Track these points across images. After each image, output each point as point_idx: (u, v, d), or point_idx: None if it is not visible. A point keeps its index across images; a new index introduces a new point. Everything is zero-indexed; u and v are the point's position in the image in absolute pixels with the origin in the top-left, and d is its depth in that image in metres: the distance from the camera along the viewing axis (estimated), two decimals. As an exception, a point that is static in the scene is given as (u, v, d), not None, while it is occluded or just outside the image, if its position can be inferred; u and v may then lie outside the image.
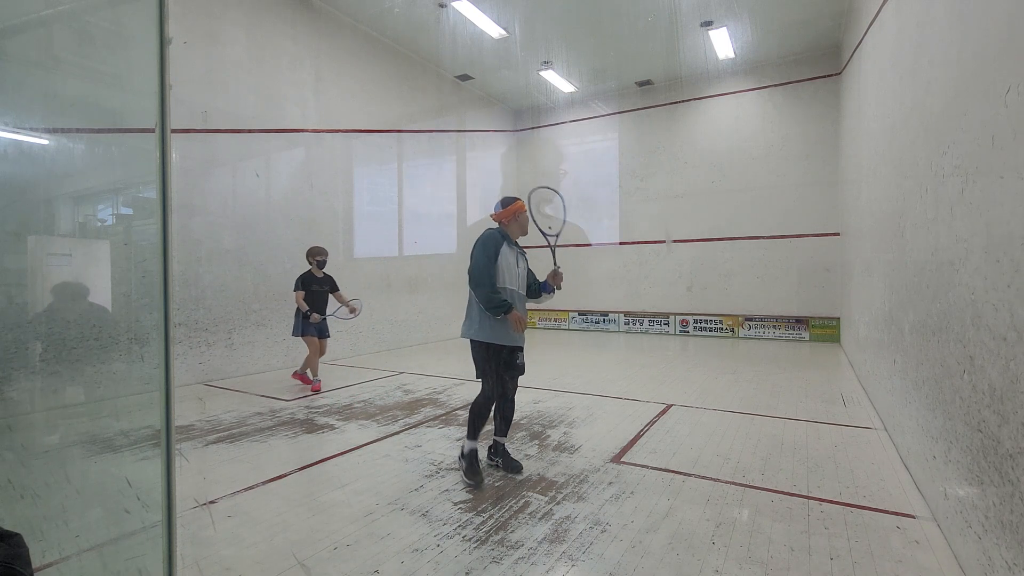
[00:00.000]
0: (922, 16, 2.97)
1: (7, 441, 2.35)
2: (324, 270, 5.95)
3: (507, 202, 3.36)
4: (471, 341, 3.25)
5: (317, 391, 5.65)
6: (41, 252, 2.51)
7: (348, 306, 5.88)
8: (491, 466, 3.40)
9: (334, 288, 5.96)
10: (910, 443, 3.16)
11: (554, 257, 3.45)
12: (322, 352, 5.96)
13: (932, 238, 2.60)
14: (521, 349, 3.30)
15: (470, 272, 3.18)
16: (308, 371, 5.96)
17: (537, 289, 3.43)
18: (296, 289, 5.75)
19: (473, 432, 3.21)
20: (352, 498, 2.92)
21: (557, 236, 3.48)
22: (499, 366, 3.22)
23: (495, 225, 3.36)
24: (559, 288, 3.43)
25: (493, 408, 3.30)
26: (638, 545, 2.38)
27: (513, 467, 3.34)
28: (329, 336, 6.05)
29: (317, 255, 5.84)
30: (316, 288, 5.80)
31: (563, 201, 3.65)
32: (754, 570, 2.18)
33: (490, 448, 3.48)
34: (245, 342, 6.69)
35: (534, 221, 3.45)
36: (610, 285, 11.53)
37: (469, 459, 3.18)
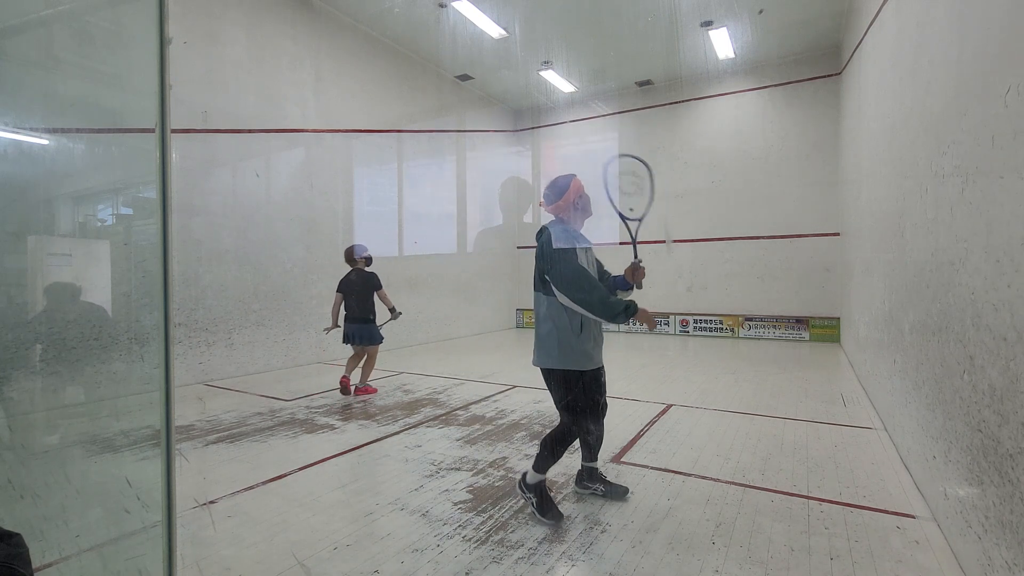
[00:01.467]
0: (922, 16, 2.97)
1: (7, 441, 2.35)
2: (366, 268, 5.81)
3: (564, 185, 2.75)
4: (548, 371, 2.62)
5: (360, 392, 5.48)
6: (41, 252, 2.51)
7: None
8: (585, 494, 2.90)
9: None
10: (910, 443, 3.16)
11: (635, 248, 2.82)
12: (357, 358, 5.62)
13: (932, 238, 2.60)
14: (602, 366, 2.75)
15: (559, 283, 2.47)
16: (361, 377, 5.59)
17: (611, 286, 2.76)
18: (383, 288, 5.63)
19: (545, 465, 2.65)
20: (352, 498, 2.92)
21: (640, 221, 2.83)
22: (588, 393, 2.62)
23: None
24: (639, 287, 2.77)
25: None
26: (638, 545, 2.38)
27: (618, 492, 2.85)
28: (359, 343, 5.58)
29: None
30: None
31: (651, 175, 2.96)
32: (754, 570, 2.18)
33: (580, 475, 2.93)
34: (245, 342, 6.68)
35: (611, 202, 2.85)
36: (610, 285, 11.51)
37: (541, 492, 2.62)
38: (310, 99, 7.69)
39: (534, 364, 2.69)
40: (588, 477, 2.93)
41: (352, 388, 5.47)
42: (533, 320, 2.72)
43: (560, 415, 2.68)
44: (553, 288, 2.52)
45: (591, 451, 2.91)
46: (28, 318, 2.35)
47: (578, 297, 2.44)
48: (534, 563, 2.24)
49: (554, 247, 2.51)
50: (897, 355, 3.55)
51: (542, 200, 2.80)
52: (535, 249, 2.68)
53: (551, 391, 2.68)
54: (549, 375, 2.64)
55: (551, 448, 2.65)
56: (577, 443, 3.06)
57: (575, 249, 2.53)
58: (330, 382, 6.15)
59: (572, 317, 2.54)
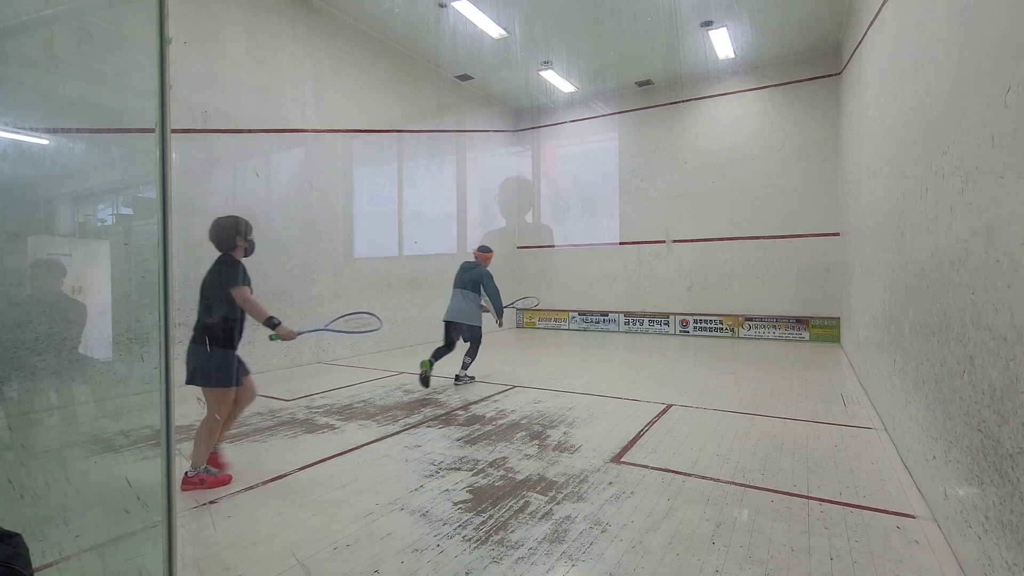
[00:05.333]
0: (922, 16, 2.97)
1: (7, 441, 2.35)
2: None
3: (486, 248, 6.28)
4: (472, 325, 5.94)
5: None
6: (41, 252, 2.51)
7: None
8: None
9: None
10: (910, 443, 3.16)
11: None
12: None
13: (932, 238, 2.60)
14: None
15: (492, 285, 5.93)
16: None
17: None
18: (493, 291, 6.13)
19: (471, 362, 6.10)
20: (352, 498, 2.92)
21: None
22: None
23: (474, 259, 6.23)
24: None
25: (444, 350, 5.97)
26: (638, 545, 2.38)
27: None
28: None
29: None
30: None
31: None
32: (754, 570, 2.18)
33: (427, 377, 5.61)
34: (245, 342, 6.62)
35: None
36: (610, 285, 11.52)
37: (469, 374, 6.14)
38: (310, 99, 7.68)
39: (461, 320, 5.89)
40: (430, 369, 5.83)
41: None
42: (455, 306, 5.99)
43: (473, 342, 6.04)
44: (485, 290, 5.96)
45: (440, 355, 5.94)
46: (28, 318, 2.35)
47: (499, 298, 5.98)
48: (534, 563, 2.24)
49: (490, 276, 6.04)
50: (897, 355, 3.55)
51: (488, 254, 6.27)
52: (471, 271, 6.04)
53: (468, 332, 5.98)
54: (471, 328, 5.96)
55: (474, 355, 6.08)
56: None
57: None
58: (330, 382, 6.14)
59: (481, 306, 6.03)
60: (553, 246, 12.31)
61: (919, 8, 3.05)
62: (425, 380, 5.49)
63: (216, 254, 3.14)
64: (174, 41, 1.54)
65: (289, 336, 3.31)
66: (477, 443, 3.86)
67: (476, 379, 6.19)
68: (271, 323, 3.21)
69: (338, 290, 7.98)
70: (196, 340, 3.06)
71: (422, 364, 5.50)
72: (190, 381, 3.07)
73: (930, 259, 2.63)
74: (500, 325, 6.07)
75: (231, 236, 3.16)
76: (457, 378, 6.02)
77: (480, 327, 5.99)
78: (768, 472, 3.24)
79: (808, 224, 9.69)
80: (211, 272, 3.11)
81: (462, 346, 6.16)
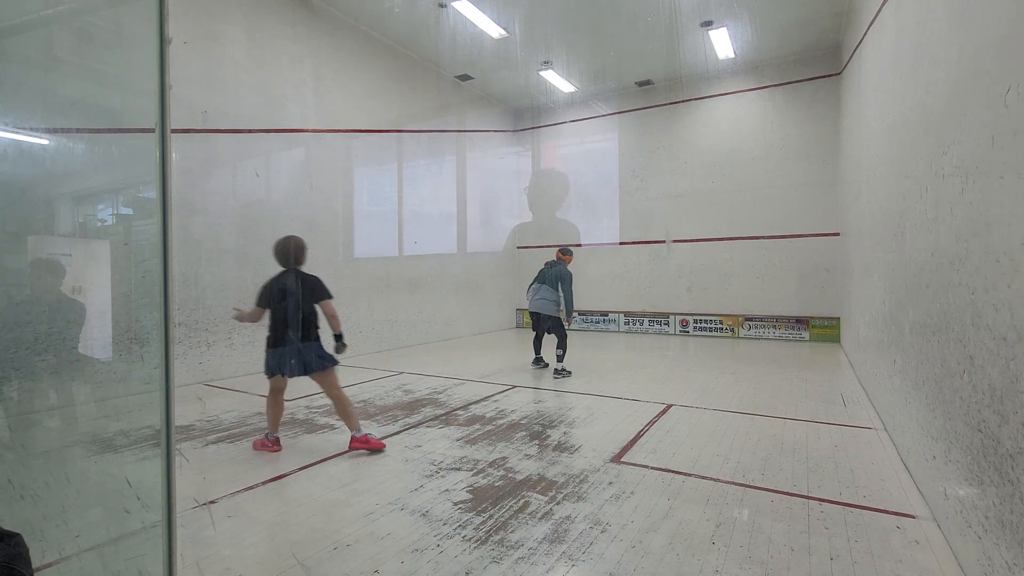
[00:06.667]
0: (922, 16, 2.97)
1: (7, 441, 2.35)
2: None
3: (568, 251, 6.77)
4: (555, 316, 6.42)
5: None
6: (41, 252, 2.51)
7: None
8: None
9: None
10: (910, 443, 3.16)
11: None
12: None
13: (932, 238, 2.60)
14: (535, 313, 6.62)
15: (569, 286, 6.40)
16: None
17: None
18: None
19: (565, 355, 6.49)
20: (352, 498, 2.92)
21: None
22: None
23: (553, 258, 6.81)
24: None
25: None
26: (638, 545, 2.38)
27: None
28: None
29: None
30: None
31: None
32: (754, 570, 2.18)
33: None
34: (245, 342, 6.68)
35: None
36: (610, 285, 11.52)
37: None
38: (310, 99, 7.68)
39: (545, 312, 6.43)
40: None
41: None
42: (539, 298, 6.50)
43: (559, 334, 6.45)
44: (562, 288, 6.41)
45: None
46: (28, 318, 2.35)
47: (571, 297, 6.42)
48: (534, 563, 2.24)
49: (569, 275, 6.56)
50: (897, 355, 3.55)
51: (569, 257, 6.81)
52: (554, 268, 6.56)
53: (550, 323, 6.46)
54: (553, 319, 6.44)
55: (564, 347, 6.44)
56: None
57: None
58: (330, 382, 6.13)
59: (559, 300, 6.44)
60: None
61: (919, 8, 3.05)
62: (538, 361, 7.01)
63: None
64: (174, 41, 1.54)
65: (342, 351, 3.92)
66: (477, 443, 3.86)
67: (571, 373, 6.48)
68: (341, 338, 3.87)
69: (338, 290, 7.96)
70: (291, 340, 3.63)
71: (536, 362, 6.98)
72: (303, 373, 3.64)
73: (930, 259, 2.63)
74: (568, 324, 6.50)
75: (302, 253, 3.97)
76: (556, 372, 6.37)
77: (560, 318, 6.51)
78: (768, 472, 3.24)
79: (808, 224, 9.69)
80: (298, 282, 3.72)
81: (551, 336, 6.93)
